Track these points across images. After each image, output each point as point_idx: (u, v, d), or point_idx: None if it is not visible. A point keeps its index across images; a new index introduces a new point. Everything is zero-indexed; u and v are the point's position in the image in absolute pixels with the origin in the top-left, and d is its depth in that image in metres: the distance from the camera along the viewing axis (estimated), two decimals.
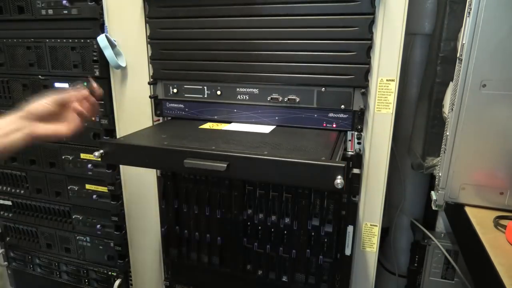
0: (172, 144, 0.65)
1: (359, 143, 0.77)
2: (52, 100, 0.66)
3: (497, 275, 0.51)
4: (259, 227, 0.82)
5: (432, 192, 0.77)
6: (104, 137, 0.95)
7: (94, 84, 0.73)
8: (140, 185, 0.94)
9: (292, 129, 0.79)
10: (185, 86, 0.85)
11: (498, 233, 0.62)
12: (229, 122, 0.83)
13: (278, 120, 0.80)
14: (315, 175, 0.55)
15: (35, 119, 0.65)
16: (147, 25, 0.83)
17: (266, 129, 0.78)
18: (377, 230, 0.81)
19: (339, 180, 0.53)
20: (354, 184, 0.77)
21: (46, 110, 0.66)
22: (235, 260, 0.87)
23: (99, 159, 0.65)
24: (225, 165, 0.57)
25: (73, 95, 0.69)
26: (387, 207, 0.80)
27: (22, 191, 1.11)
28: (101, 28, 0.87)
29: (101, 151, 0.65)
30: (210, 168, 0.58)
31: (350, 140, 0.78)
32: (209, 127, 0.80)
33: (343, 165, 0.53)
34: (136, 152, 0.64)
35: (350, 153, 0.78)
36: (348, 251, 0.82)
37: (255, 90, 0.80)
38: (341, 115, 0.76)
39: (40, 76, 0.97)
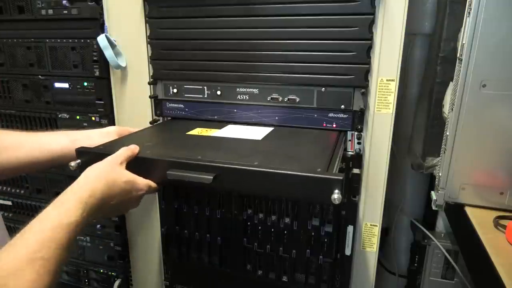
0: (155, 153, 0.61)
1: (359, 143, 0.77)
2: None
3: (497, 275, 0.51)
4: (259, 227, 0.82)
5: (432, 192, 0.77)
6: None
7: None
8: None
9: (288, 133, 0.76)
10: (185, 86, 0.85)
11: (498, 233, 0.62)
12: (220, 128, 0.79)
13: (278, 120, 0.80)
14: (310, 188, 0.50)
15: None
16: (147, 25, 0.83)
17: (259, 134, 0.74)
18: (377, 230, 0.81)
19: (336, 195, 0.48)
20: (354, 184, 0.77)
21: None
22: (235, 260, 0.86)
23: (76, 169, 0.59)
24: (211, 177, 0.53)
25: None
26: (387, 207, 0.80)
27: (22, 191, 1.11)
28: (101, 28, 0.87)
29: (78, 161, 0.59)
30: (195, 180, 0.54)
31: (350, 140, 0.78)
32: (197, 133, 0.76)
33: (341, 178, 0.49)
34: None
35: (350, 153, 0.78)
36: (348, 251, 0.82)
37: (255, 90, 0.80)
38: (341, 115, 0.76)
39: (40, 76, 0.97)
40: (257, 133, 0.75)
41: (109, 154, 0.57)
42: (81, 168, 0.56)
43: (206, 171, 0.54)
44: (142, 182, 0.59)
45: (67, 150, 0.64)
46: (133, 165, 0.58)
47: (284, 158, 0.60)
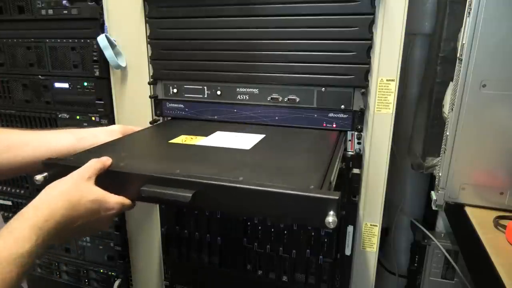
0: (129, 166, 0.54)
1: (359, 143, 0.77)
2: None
3: (497, 275, 0.51)
4: (259, 227, 0.82)
5: (432, 192, 0.77)
6: None
7: None
8: None
9: (280, 141, 0.72)
10: (185, 86, 0.85)
11: (498, 233, 0.62)
12: (207, 135, 0.73)
13: (278, 120, 0.80)
14: (301, 208, 0.44)
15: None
16: (147, 25, 0.83)
17: (249, 143, 0.67)
18: (377, 230, 0.81)
19: (331, 218, 0.41)
20: (354, 184, 0.77)
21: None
22: (235, 260, 0.87)
23: (42, 184, 0.51)
24: (190, 195, 0.47)
25: None
26: (387, 207, 0.80)
27: (22, 191, 1.11)
28: (101, 28, 0.87)
29: (45, 173, 0.52)
30: (172, 198, 0.47)
31: (350, 140, 0.78)
32: (181, 142, 0.69)
33: (337, 197, 0.42)
34: None
35: (350, 153, 0.78)
36: (348, 251, 0.82)
37: (255, 90, 0.80)
38: (341, 115, 0.76)
39: (40, 76, 0.97)
40: (247, 141, 0.69)
41: (76, 167, 0.51)
42: (48, 182, 0.50)
43: (184, 187, 0.48)
44: (113, 200, 0.51)
45: (73, 148, 0.61)
46: (103, 179, 0.52)
47: (273, 171, 0.54)
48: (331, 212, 0.41)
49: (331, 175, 0.52)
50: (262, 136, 0.72)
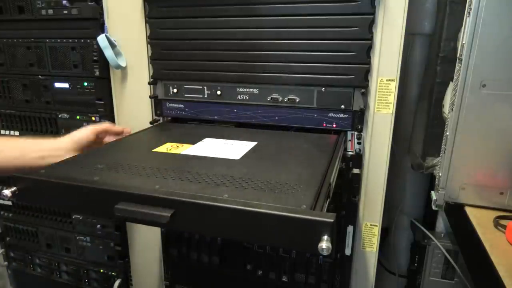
0: (103, 181, 0.50)
1: (359, 143, 0.77)
2: (93, 131, 0.70)
3: (497, 275, 0.51)
4: None
5: (432, 192, 0.77)
6: None
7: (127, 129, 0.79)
8: None
9: (273, 149, 0.67)
10: (185, 86, 0.85)
11: (498, 233, 0.62)
12: (194, 143, 0.68)
13: (278, 120, 0.80)
14: (290, 232, 0.39)
15: (79, 149, 0.67)
16: (147, 25, 0.83)
17: (239, 152, 0.62)
18: (377, 230, 0.81)
19: (324, 244, 0.36)
20: (354, 184, 0.77)
21: (90, 141, 0.69)
22: (235, 260, 0.87)
23: (11, 200, 0.49)
24: (169, 215, 0.42)
25: (108, 128, 0.74)
26: (387, 207, 0.80)
27: None
28: (101, 28, 0.87)
29: (14, 188, 0.49)
30: (149, 218, 0.43)
31: (350, 140, 0.78)
32: (165, 150, 0.64)
33: (331, 220, 0.37)
34: (56, 191, 0.49)
35: (350, 153, 0.78)
36: (348, 251, 0.82)
37: (255, 90, 0.80)
38: (341, 115, 0.76)
39: (40, 76, 0.97)
40: (237, 150, 0.64)
41: (51, 180, 0.49)
42: (18, 196, 0.48)
43: (163, 206, 0.43)
44: None
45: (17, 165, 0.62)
46: (75, 195, 0.49)
47: (262, 187, 0.48)
48: (325, 237, 0.36)
49: (326, 190, 0.48)
50: (254, 143, 0.67)
